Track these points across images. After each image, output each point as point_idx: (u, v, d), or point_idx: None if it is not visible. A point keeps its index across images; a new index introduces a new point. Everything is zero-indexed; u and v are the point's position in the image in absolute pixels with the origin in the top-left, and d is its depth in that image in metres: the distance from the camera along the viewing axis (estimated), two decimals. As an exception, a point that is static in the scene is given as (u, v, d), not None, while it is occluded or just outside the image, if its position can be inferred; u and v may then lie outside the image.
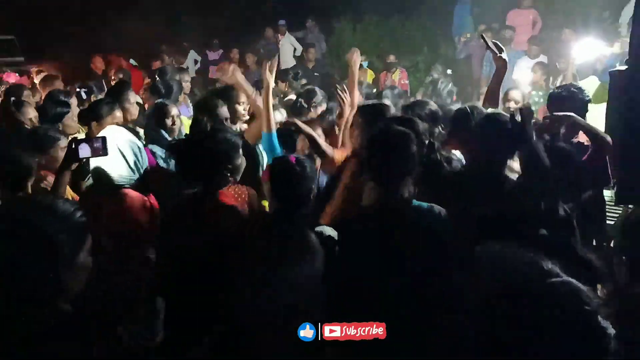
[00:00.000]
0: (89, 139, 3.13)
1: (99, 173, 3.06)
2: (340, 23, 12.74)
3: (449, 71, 9.32)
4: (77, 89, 6.20)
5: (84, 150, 3.00)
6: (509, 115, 3.00)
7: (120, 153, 3.05)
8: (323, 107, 5.15)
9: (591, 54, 7.01)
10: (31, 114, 4.74)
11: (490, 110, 3.59)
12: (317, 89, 5.55)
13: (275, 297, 1.61)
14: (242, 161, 2.97)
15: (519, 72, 8.84)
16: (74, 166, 3.10)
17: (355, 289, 2.34)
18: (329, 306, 1.74)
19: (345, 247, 2.49)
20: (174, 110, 4.59)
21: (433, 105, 3.80)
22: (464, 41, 10.72)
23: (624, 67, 3.69)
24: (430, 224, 2.48)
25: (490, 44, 3.98)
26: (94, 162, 3.07)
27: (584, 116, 3.81)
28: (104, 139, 3.04)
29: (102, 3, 12.43)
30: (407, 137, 2.57)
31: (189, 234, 2.76)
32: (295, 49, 12.21)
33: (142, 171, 3.12)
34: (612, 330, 1.21)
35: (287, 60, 11.98)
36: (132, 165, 3.08)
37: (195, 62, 12.21)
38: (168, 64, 10.71)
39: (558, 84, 6.49)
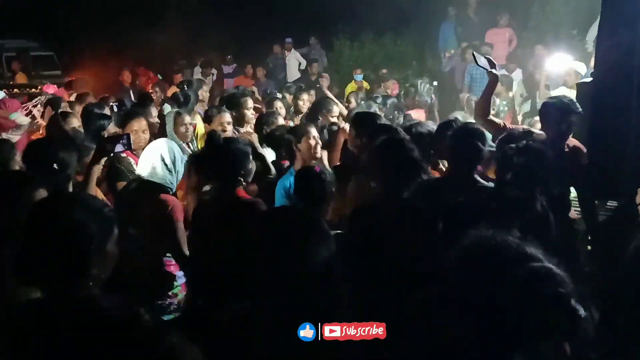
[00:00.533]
0: (119, 136, 3.17)
1: (142, 175, 3.11)
2: (339, 40, 12.74)
3: (435, 83, 9.32)
4: (111, 104, 6.26)
5: (118, 146, 3.07)
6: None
7: (162, 159, 3.09)
8: (336, 112, 5.17)
9: (561, 67, 6.98)
10: (75, 123, 4.77)
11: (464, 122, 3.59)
12: (328, 98, 5.61)
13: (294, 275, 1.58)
14: (252, 166, 3.03)
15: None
16: (103, 160, 3.14)
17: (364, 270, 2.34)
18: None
19: (353, 236, 2.51)
20: (186, 119, 4.64)
21: (430, 126, 3.86)
22: (449, 56, 10.73)
23: (589, 79, 3.69)
24: (427, 219, 2.47)
25: (482, 61, 3.90)
26: (140, 166, 3.13)
27: (572, 126, 3.61)
28: (128, 135, 3.13)
29: (130, 22, 12.43)
30: (412, 146, 2.69)
31: (216, 228, 2.81)
32: (300, 64, 12.22)
33: (178, 176, 3.18)
34: (582, 312, 1.22)
35: (293, 74, 12.00)
36: (169, 169, 3.11)
37: (212, 74, 12.19)
38: (189, 77, 10.76)
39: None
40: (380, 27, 12.17)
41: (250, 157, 3.01)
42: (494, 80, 3.91)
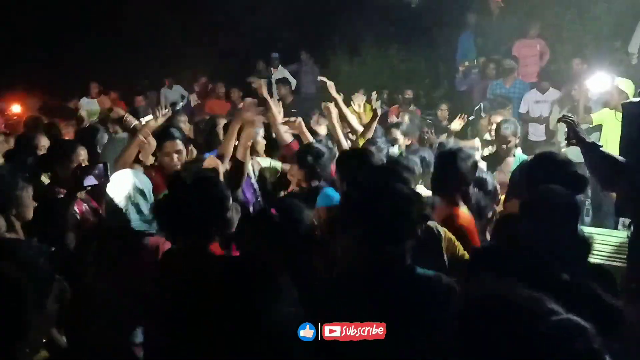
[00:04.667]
0: (91, 167, 3.15)
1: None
2: (336, 55, 12.84)
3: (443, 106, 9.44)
4: None
5: (89, 179, 3.06)
6: None
7: (141, 194, 3.08)
8: None
9: (603, 85, 7.04)
10: None
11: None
12: None
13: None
14: (233, 214, 2.84)
15: (525, 106, 8.91)
16: (80, 194, 3.12)
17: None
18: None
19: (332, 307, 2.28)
20: None
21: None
22: (463, 71, 10.71)
23: (637, 99, 3.85)
24: (435, 294, 2.25)
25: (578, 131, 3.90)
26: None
27: None
28: (105, 164, 3.10)
29: (81, 36, 12.58)
30: (412, 198, 2.41)
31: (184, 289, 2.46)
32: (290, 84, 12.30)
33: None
34: None
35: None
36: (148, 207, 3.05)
37: (183, 97, 12.31)
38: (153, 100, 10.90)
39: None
40: (384, 39, 12.30)
41: (229, 202, 2.80)
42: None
